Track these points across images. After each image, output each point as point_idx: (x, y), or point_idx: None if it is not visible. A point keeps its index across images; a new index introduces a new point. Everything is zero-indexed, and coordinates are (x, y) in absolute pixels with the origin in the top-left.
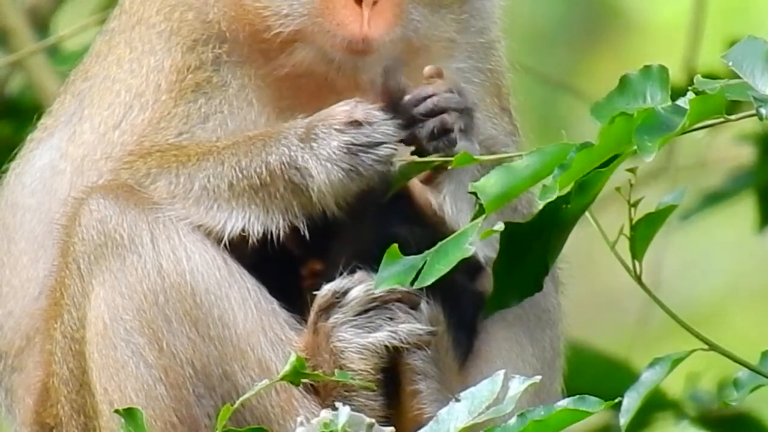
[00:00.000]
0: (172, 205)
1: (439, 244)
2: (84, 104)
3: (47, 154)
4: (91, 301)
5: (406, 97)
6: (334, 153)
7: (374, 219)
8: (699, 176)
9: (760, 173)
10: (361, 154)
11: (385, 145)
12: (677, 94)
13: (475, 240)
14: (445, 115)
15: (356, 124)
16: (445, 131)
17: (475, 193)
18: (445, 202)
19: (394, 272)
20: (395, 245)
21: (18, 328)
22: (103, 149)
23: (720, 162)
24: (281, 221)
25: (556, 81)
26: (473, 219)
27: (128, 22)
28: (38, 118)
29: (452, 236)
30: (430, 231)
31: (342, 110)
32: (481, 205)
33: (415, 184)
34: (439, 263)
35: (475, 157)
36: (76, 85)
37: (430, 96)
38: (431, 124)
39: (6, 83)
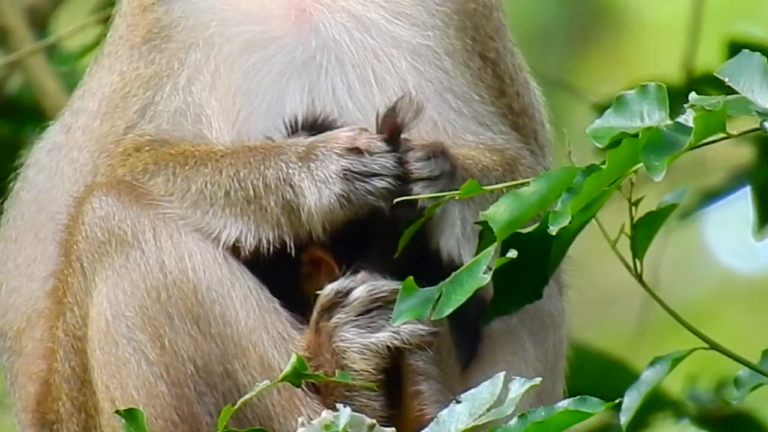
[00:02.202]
0: (170, 203)
1: (453, 274)
2: (86, 77)
3: (58, 127)
4: (94, 298)
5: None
6: (330, 176)
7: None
8: (698, 175)
9: (758, 173)
10: (356, 182)
11: (381, 178)
12: (676, 93)
13: (490, 266)
14: (412, 186)
15: (357, 151)
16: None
17: (485, 222)
18: (447, 249)
19: (411, 305)
20: (410, 278)
21: (19, 309)
22: (83, 120)
23: (719, 161)
24: (272, 235)
25: (554, 80)
26: (484, 247)
27: None
28: (37, 118)
29: (466, 265)
30: None
31: (346, 135)
32: (491, 232)
33: None
34: (456, 293)
35: (483, 187)
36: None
37: (405, 161)
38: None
39: (5, 83)
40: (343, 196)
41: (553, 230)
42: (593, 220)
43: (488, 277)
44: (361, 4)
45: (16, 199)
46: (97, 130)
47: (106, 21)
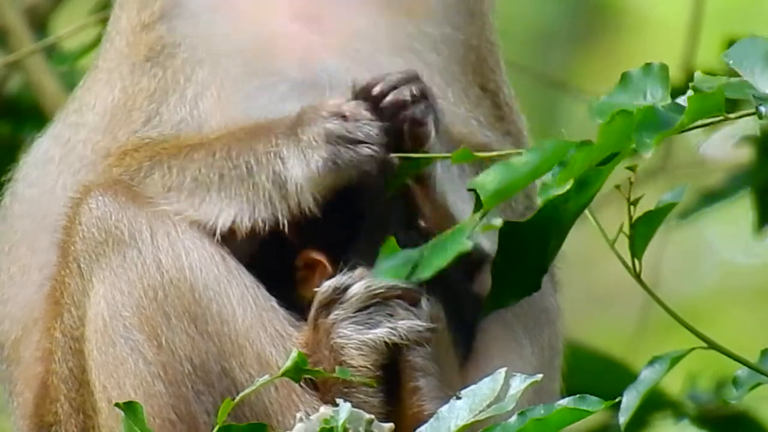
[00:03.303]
0: (167, 198)
1: (436, 238)
2: (79, 91)
3: (47, 141)
4: (91, 298)
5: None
6: (315, 140)
7: (384, 220)
8: (697, 175)
9: (758, 173)
10: (340, 146)
11: (366, 145)
12: (675, 93)
13: (473, 235)
14: (416, 115)
15: (342, 116)
16: (419, 124)
17: (474, 189)
18: (445, 197)
19: (392, 265)
20: (393, 238)
21: (15, 317)
22: (82, 133)
23: (718, 161)
24: (264, 212)
25: (555, 80)
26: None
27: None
28: (37, 118)
29: (450, 231)
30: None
31: (332, 102)
32: (479, 200)
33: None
34: (437, 257)
35: (475, 153)
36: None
37: (386, 94)
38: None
39: (4, 83)
40: (329, 159)
41: (538, 201)
42: (592, 219)
43: (471, 243)
44: (364, 38)
45: (7, 212)
46: (101, 143)
47: (106, 21)
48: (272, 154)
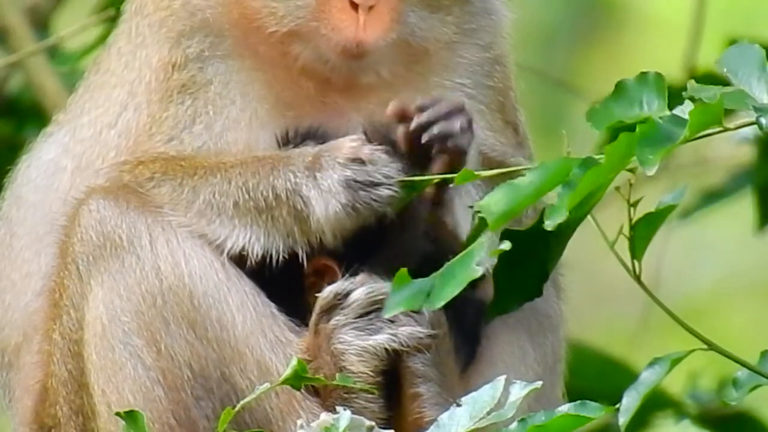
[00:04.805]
0: (173, 210)
1: (446, 265)
2: (86, 97)
3: (53, 149)
4: (90, 301)
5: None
6: (334, 186)
7: (401, 234)
8: (699, 175)
9: (759, 172)
10: (360, 191)
11: (385, 186)
12: (676, 93)
13: (483, 260)
14: (457, 145)
15: (359, 161)
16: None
17: (478, 211)
18: (457, 219)
19: (404, 297)
20: (404, 269)
21: (15, 324)
22: (99, 150)
23: (720, 161)
24: (281, 245)
25: (556, 79)
26: (476, 237)
27: (130, 11)
28: (37, 118)
29: (458, 257)
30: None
31: (349, 145)
32: (484, 222)
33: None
34: (448, 285)
35: (477, 173)
36: (88, 78)
37: (433, 122)
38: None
39: (5, 83)
40: (348, 205)
41: (548, 225)
42: (593, 221)
43: (480, 269)
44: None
45: (7, 216)
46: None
47: (107, 21)
48: (291, 192)
